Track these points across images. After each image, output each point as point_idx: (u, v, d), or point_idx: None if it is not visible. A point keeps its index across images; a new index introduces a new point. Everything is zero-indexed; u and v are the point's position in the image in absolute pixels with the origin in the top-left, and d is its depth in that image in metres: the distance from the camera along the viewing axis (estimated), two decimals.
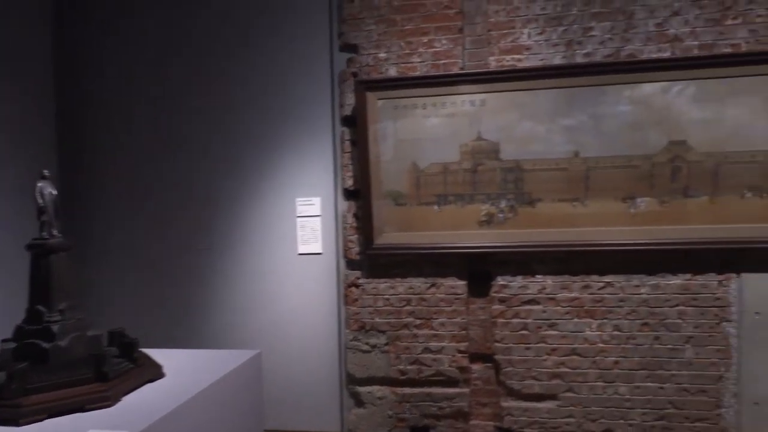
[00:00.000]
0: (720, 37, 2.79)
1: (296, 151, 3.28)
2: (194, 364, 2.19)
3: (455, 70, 3.02)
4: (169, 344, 2.83)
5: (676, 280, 2.87)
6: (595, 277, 2.94)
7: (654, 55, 2.83)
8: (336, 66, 3.20)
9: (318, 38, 3.24)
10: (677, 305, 2.87)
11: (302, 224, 3.27)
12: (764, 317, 2.81)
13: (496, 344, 3.04)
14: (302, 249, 3.28)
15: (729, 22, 2.78)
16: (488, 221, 2.99)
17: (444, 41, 3.05)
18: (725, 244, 2.78)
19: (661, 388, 2.90)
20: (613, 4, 2.88)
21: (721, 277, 2.84)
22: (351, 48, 3.16)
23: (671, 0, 2.83)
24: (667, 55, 2.82)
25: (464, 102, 2.97)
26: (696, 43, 2.82)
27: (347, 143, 3.17)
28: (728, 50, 2.77)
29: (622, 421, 2.91)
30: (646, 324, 2.90)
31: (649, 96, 2.82)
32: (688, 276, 2.86)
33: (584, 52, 2.91)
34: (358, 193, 3.14)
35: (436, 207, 3.03)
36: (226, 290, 3.37)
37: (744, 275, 2.82)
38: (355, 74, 3.13)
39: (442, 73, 3.02)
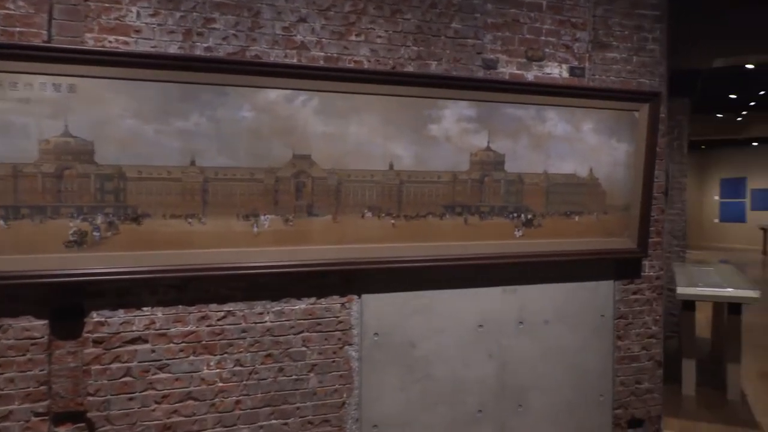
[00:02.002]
0: (344, 51, 2.97)
1: None
2: None
3: (37, 43, 2.53)
4: None
5: (300, 305, 2.93)
6: (214, 306, 2.79)
7: (280, 60, 2.86)
8: None
9: None
10: (302, 332, 2.93)
11: None
12: (382, 338, 3.08)
13: (90, 398, 2.62)
14: None
15: (353, 37, 2.99)
16: (79, 242, 2.56)
17: (22, 3, 2.53)
18: (347, 265, 2.95)
19: (285, 424, 2.90)
20: None
21: (344, 300, 3.01)
22: None
23: (299, 5, 2.90)
24: (294, 61, 2.89)
25: (46, 85, 2.50)
26: (322, 53, 2.94)
27: None
28: (351, 66, 2.98)
29: None
30: (269, 355, 2.88)
31: (274, 103, 2.82)
32: (312, 300, 2.95)
33: (205, 45, 2.76)
34: None
35: (1, 222, 2.47)
36: None
37: (364, 296, 3.04)
38: None
39: (15, 42, 2.50)
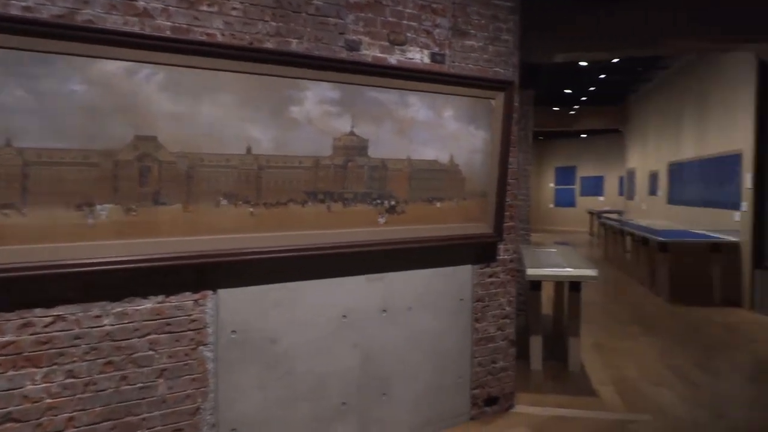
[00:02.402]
0: (195, 22, 2.71)
1: None
2: None
3: None
4: None
5: (146, 304, 2.65)
6: (39, 311, 2.42)
7: (119, 28, 2.54)
8: None
9: None
10: (148, 334, 2.66)
11: None
12: (241, 335, 2.91)
13: None
14: None
15: (204, 7, 2.73)
16: None
17: None
18: (200, 259, 2.72)
19: None
20: None
21: (197, 296, 2.78)
22: None
23: None
24: (135, 30, 2.58)
25: None
26: (169, 23, 2.65)
27: None
28: (203, 38, 2.73)
29: None
30: (109, 363, 2.57)
31: (112, 76, 2.49)
32: (160, 298, 2.68)
33: (23, 4, 2.37)
34: None
35: None
36: None
37: (221, 291, 2.85)
38: None
39: None
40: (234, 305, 2.86)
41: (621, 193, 18.21)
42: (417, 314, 3.49)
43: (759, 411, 4.00)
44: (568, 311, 4.99)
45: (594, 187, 21.68)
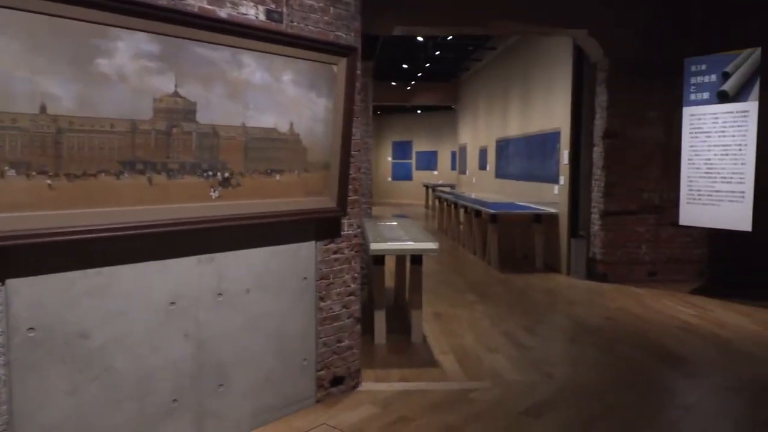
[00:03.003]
0: None
1: None
2: None
3: None
4: None
5: None
6: None
7: None
8: None
9: None
10: None
11: None
12: (41, 333, 2.43)
13: None
14: None
15: None
16: None
17: None
18: None
19: None
20: None
21: None
22: None
23: None
24: None
25: None
26: None
27: None
28: None
29: None
30: None
31: None
32: None
33: None
34: None
35: None
36: None
37: (11, 282, 2.34)
38: None
39: None
40: (31, 298, 2.38)
41: (454, 168, 19.22)
42: (257, 296, 3.23)
43: (581, 367, 4.36)
44: (410, 284, 5.03)
45: (429, 161, 22.66)
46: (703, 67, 6.36)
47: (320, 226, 3.55)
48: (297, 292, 3.44)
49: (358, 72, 3.64)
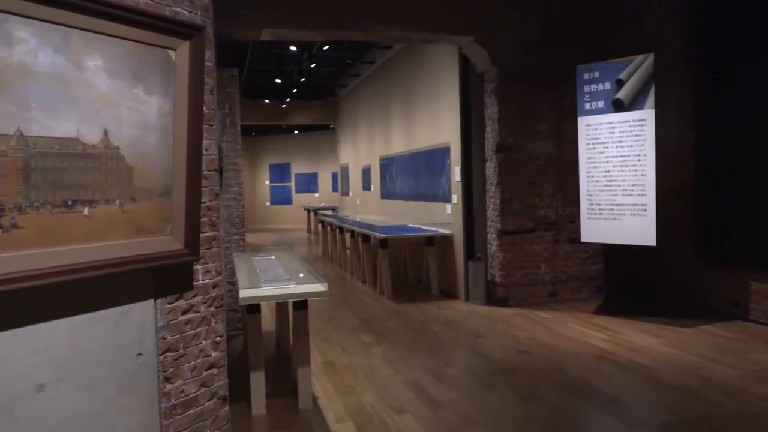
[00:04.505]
0: None
1: None
2: None
3: None
4: None
5: None
6: None
7: None
8: None
9: None
10: None
11: None
12: None
13: None
14: None
15: None
16: None
17: None
18: None
19: None
20: None
21: None
22: None
23: None
24: None
25: None
26: None
27: None
28: None
29: None
30: None
31: None
32: None
33: None
34: None
35: None
36: None
37: None
38: None
39: None
40: None
41: (336, 189, 18.44)
42: (58, 394, 2.14)
43: (507, 424, 3.63)
44: (294, 334, 4.08)
45: (308, 183, 21.77)
46: (596, 74, 6.06)
47: (161, 278, 2.53)
48: (127, 376, 2.38)
49: (210, 64, 2.69)
